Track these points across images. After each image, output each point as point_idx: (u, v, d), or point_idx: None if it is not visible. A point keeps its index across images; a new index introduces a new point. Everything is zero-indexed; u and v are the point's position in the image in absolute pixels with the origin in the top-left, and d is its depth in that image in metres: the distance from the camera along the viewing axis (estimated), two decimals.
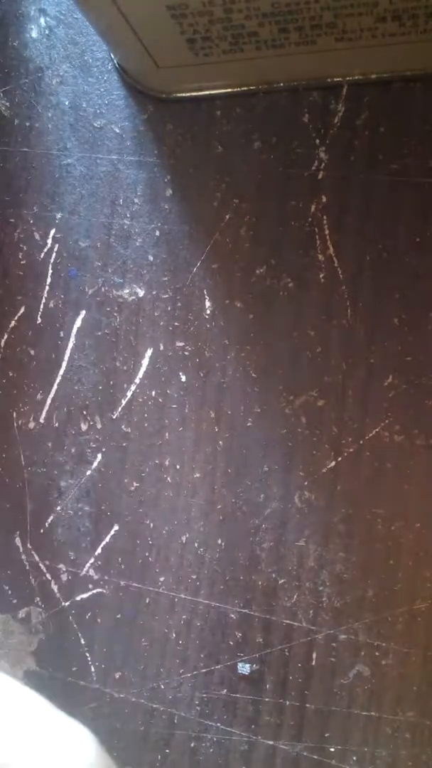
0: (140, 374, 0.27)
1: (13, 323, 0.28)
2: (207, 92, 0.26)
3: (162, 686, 0.27)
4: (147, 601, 0.27)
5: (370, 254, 0.25)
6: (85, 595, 0.27)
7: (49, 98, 0.27)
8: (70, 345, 0.27)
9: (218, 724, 0.26)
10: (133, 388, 0.27)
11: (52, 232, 0.27)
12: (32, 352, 0.28)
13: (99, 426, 0.27)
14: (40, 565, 0.28)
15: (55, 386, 0.27)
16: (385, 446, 0.25)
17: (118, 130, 0.27)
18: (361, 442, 0.25)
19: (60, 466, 0.27)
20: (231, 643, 0.26)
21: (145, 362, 0.27)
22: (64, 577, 0.27)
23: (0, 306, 0.28)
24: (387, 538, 0.25)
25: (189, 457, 0.26)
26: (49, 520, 0.28)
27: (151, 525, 0.27)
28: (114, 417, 0.27)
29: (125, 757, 0.27)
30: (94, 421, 0.27)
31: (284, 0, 0.19)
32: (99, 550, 0.27)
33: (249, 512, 0.26)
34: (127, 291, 0.27)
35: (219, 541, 0.26)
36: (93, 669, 0.27)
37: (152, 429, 0.27)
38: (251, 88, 0.25)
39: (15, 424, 0.28)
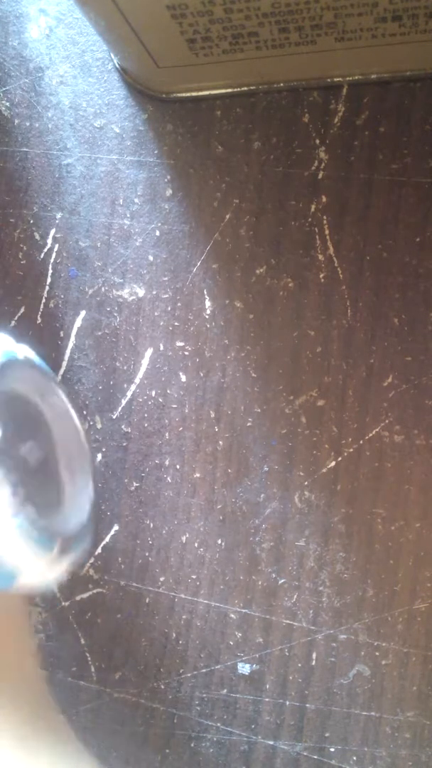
0: (140, 374, 0.27)
1: (13, 323, 0.28)
2: (207, 92, 0.26)
3: (162, 686, 0.27)
4: (147, 601, 0.27)
5: (370, 254, 0.25)
6: (85, 595, 0.27)
7: (49, 98, 0.27)
8: (70, 345, 0.27)
9: (218, 724, 0.26)
10: (133, 388, 0.27)
11: (52, 232, 0.27)
12: None
13: (99, 426, 0.27)
14: None
15: None
16: (385, 446, 0.25)
17: (118, 130, 0.27)
18: (361, 442, 0.25)
19: None
20: (231, 643, 0.26)
21: (145, 362, 0.27)
22: (64, 577, 0.27)
23: (0, 306, 0.28)
24: (387, 538, 0.25)
25: (189, 457, 0.26)
26: None
27: (151, 525, 0.27)
28: (114, 417, 0.27)
29: (125, 757, 0.27)
30: (94, 421, 0.27)
31: (284, 0, 0.19)
32: (99, 550, 0.27)
33: (249, 512, 0.26)
34: (127, 291, 0.27)
35: (219, 541, 0.26)
36: (93, 669, 0.27)
37: (152, 429, 0.27)
38: (251, 88, 0.25)
39: None
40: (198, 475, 0.26)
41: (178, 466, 0.27)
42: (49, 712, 0.20)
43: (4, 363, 0.16)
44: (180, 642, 0.27)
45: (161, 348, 0.27)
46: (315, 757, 0.26)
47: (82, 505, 0.18)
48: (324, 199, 0.25)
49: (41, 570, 0.16)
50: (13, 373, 0.17)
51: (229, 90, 0.26)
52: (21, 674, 0.20)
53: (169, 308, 0.27)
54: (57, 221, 0.27)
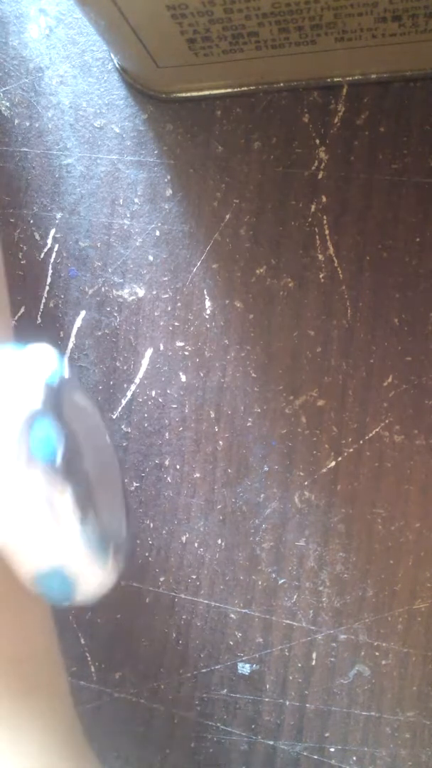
0: (140, 374, 0.27)
1: (13, 323, 0.28)
2: (207, 92, 0.26)
3: (162, 686, 0.27)
4: (147, 601, 0.27)
5: (370, 254, 0.25)
6: None
7: (49, 98, 0.27)
8: (70, 345, 0.27)
9: (218, 724, 0.26)
10: (133, 388, 0.27)
11: (52, 232, 0.27)
12: None
13: None
14: None
15: None
16: (385, 446, 0.25)
17: (118, 130, 0.27)
18: (361, 442, 0.25)
19: None
20: (231, 643, 0.26)
21: (145, 362, 0.27)
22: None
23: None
24: (387, 538, 0.25)
25: (189, 457, 0.26)
26: None
27: (151, 525, 0.27)
28: (114, 417, 0.27)
29: (125, 757, 0.27)
30: None
31: (284, 0, 0.19)
32: None
33: (249, 512, 0.26)
34: (127, 291, 0.27)
35: (219, 541, 0.26)
36: (93, 669, 0.27)
37: (152, 429, 0.27)
38: (251, 88, 0.25)
39: None
40: (198, 475, 0.26)
41: (178, 466, 0.27)
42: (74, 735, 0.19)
43: (71, 374, 0.16)
44: (180, 642, 0.27)
45: (161, 348, 0.27)
46: (315, 757, 0.26)
47: (121, 511, 0.18)
48: (324, 199, 0.25)
49: (99, 579, 0.16)
50: (76, 384, 0.17)
51: (229, 90, 0.26)
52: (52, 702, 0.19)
53: (169, 308, 0.27)
54: (57, 221, 0.27)
